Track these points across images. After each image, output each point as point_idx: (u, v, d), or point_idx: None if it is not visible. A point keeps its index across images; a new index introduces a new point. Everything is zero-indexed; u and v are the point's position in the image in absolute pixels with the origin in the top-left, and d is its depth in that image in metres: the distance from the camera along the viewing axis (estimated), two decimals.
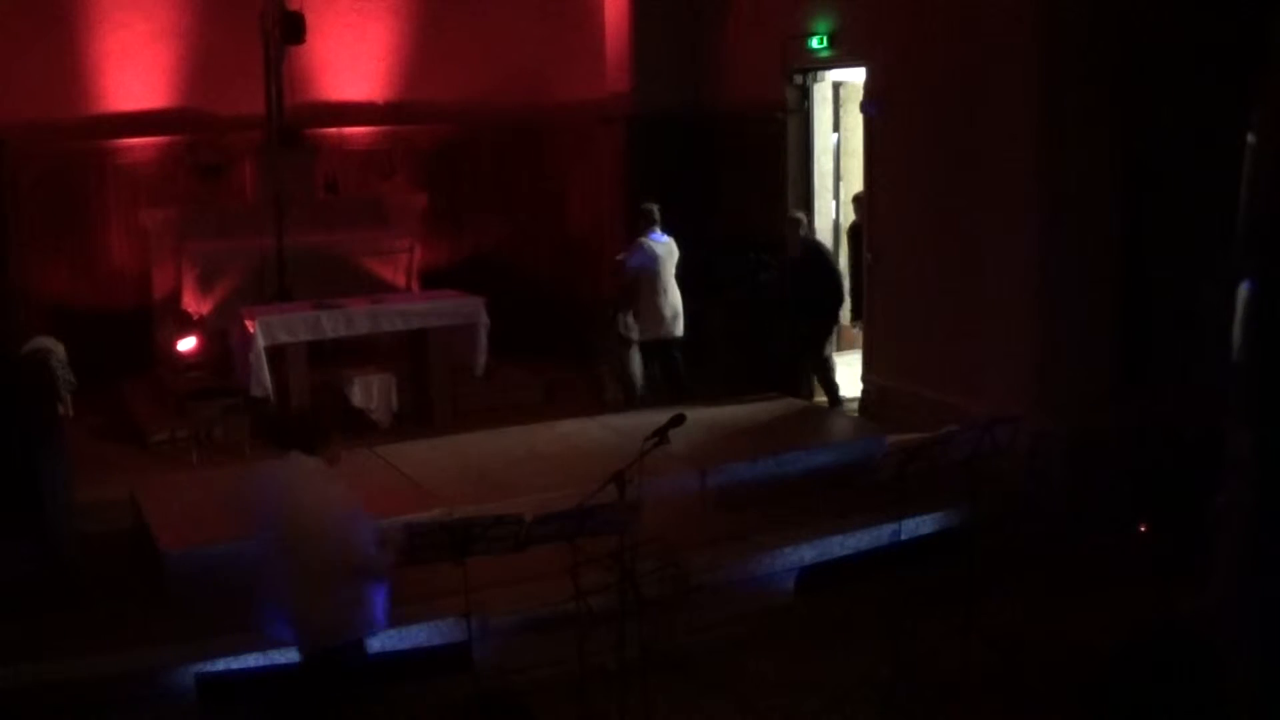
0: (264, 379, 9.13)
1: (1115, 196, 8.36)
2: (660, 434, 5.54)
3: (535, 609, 6.42)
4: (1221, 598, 4.12)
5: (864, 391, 10.14)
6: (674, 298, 9.94)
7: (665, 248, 9.90)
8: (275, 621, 5.09)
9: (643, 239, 9.88)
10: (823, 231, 11.04)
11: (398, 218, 11.51)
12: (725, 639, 6.62)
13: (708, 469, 8.00)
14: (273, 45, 10.56)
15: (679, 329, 10.01)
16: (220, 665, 5.90)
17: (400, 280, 11.08)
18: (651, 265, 9.83)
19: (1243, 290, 3.80)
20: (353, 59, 12.16)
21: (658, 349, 10.04)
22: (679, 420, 5.72)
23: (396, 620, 6.31)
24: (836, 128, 11.36)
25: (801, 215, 10.22)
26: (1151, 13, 7.95)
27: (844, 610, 6.64)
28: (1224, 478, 3.93)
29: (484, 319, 9.88)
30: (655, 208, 9.95)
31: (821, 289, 9.85)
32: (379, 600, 5.11)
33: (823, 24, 10.27)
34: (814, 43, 10.34)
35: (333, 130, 12.04)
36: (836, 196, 11.36)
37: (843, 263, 11.07)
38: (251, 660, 5.96)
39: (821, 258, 9.97)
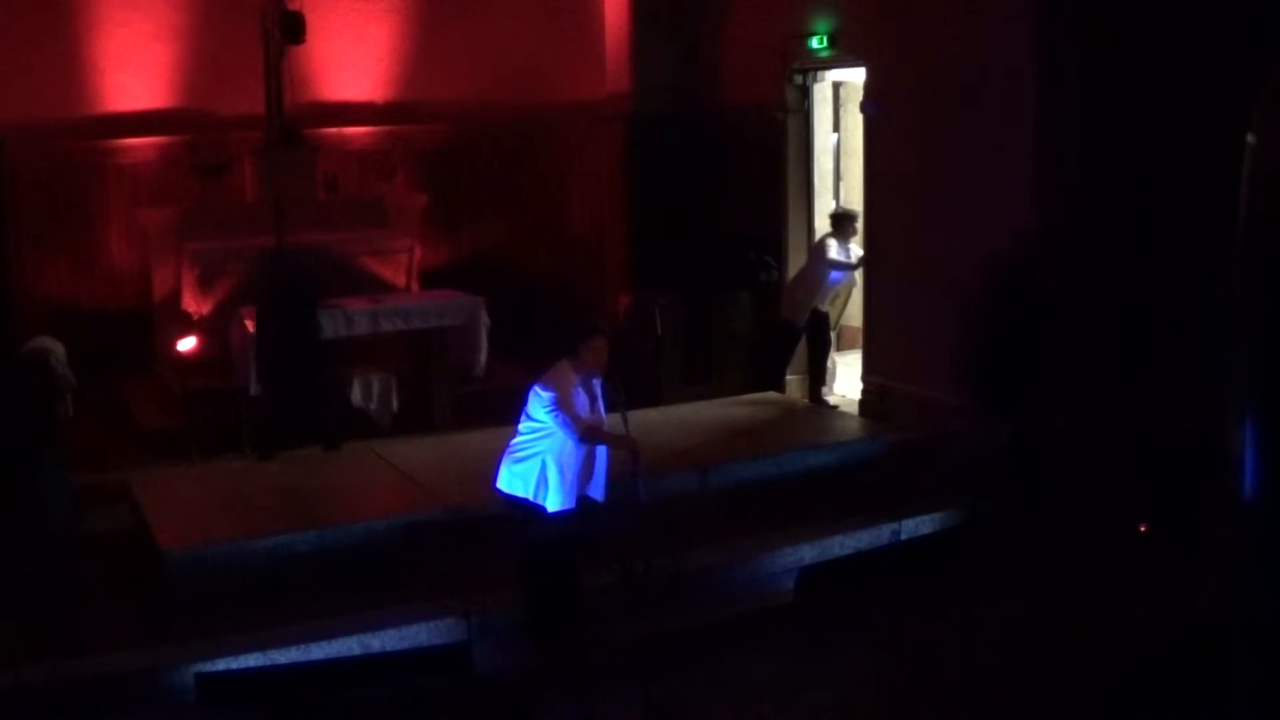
0: None
1: (1114, 196, 8.35)
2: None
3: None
4: (1221, 598, 4.12)
5: (864, 391, 10.14)
6: None
7: None
8: None
9: None
10: (823, 231, 11.02)
11: (398, 218, 11.49)
12: (725, 639, 6.62)
13: (708, 469, 8.00)
14: (273, 45, 10.57)
15: None
16: (220, 665, 5.89)
17: (400, 280, 11.06)
18: None
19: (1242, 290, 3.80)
20: (353, 59, 12.15)
21: None
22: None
23: (396, 620, 6.37)
24: (836, 128, 11.35)
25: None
26: (1150, 12, 7.95)
27: (844, 610, 6.63)
28: (1224, 478, 3.92)
29: (484, 319, 9.86)
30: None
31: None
32: None
33: (823, 24, 10.27)
34: (814, 43, 10.34)
35: (333, 130, 12.03)
36: (836, 196, 11.35)
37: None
38: (251, 660, 5.96)
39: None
